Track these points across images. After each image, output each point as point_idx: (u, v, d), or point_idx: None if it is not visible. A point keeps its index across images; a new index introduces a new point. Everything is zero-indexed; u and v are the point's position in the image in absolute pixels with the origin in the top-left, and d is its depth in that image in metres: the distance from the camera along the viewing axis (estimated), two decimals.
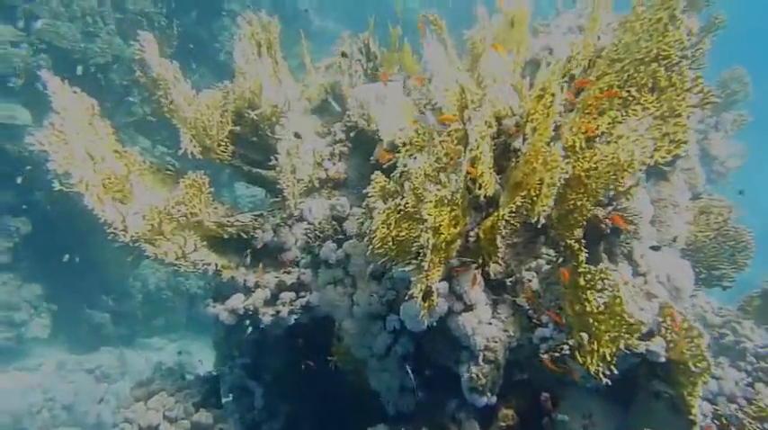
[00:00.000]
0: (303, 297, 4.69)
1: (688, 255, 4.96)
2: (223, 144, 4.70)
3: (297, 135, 5.14)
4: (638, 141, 2.84)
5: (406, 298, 3.15)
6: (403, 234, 3.15)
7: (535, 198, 2.84)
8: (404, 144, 3.34)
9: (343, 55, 5.99)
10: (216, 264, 4.43)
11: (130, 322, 12.36)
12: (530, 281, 3.26)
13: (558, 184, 2.70)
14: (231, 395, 5.26)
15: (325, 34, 17.70)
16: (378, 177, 3.31)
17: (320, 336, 4.96)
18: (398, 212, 3.06)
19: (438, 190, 2.70)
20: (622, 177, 2.85)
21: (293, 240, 4.77)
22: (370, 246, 3.01)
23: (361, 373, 3.93)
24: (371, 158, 5.06)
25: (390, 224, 3.05)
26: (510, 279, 3.37)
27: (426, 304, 2.92)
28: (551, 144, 2.79)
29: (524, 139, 3.15)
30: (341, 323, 3.64)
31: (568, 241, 2.97)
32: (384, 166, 3.67)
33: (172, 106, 4.37)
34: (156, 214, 3.99)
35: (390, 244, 3.09)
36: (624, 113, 3.16)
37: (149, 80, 4.40)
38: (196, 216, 4.32)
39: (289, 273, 4.81)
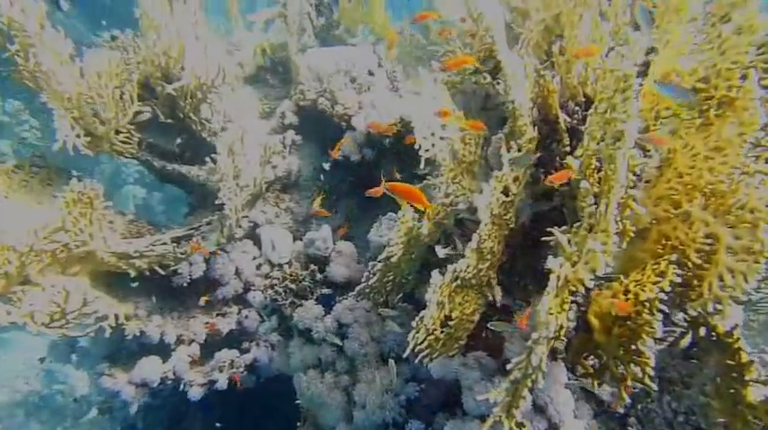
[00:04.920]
0: (247, 352, 3.35)
1: None
2: (125, 131, 3.12)
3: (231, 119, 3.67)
4: None
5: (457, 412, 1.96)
6: (455, 313, 1.93)
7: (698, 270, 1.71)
8: (449, 160, 2.07)
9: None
10: (116, 316, 2.94)
11: None
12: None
13: None
14: None
15: None
16: (405, 217, 2.04)
17: (269, 401, 3.65)
18: (455, 281, 1.83)
19: (562, 265, 1.50)
20: None
21: (233, 271, 3.36)
22: (412, 340, 1.77)
23: None
24: (339, 155, 3.72)
25: (444, 303, 1.82)
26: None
27: None
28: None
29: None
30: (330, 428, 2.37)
31: (698, 308, 1.90)
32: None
33: (38, 71, 2.73)
34: (13, 255, 2.42)
35: (438, 332, 1.87)
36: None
37: None
38: (84, 245, 2.79)
39: (224, 315, 3.42)
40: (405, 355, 1.79)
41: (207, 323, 3.29)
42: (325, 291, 2.49)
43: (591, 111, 1.90)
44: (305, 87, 3.96)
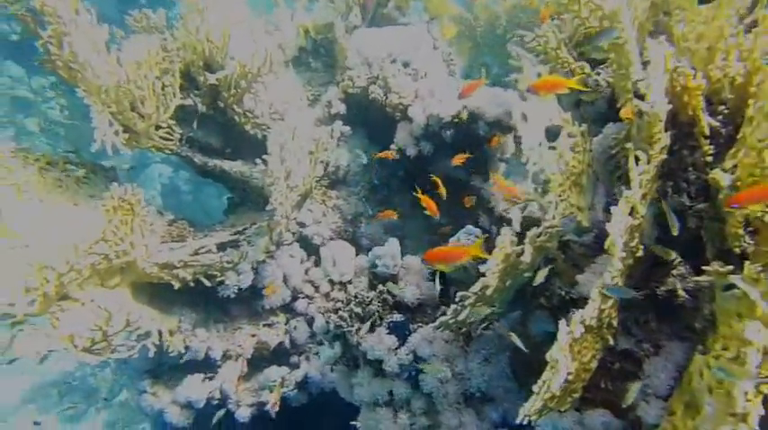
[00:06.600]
0: (297, 367, 3.09)
1: None
2: (165, 126, 2.82)
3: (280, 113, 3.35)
4: None
5: None
6: (574, 365, 1.61)
7: None
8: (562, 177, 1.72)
9: None
10: (159, 331, 2.68)
11: None
12: None
13: None
14: None
15: None
16: (503, 241, 1.71)
17: (317, 418, 3.40)
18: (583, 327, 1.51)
19: (760, 331, 1.16)
20: None
21: (280, 278, 3.08)
22: (530, 405, 1.46)
23: None
24: (394, 146, 3.39)
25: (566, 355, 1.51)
26: None
27: None
28: None
29: None
30: None
31: None
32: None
33: (72, 62, 2.43)
34: (52, 274, 2.15)
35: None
36: None
37: (26, 12, 2.42)
38: (125, 255, 2.52)
39: (271, 326, 3.15)
40: (518, 421, 1.47)
41: (252, 335, 3.02)
42: (397, 316, 2.19)
43: (752, 111, 1.54)
44: (354, 73, 3.61)
